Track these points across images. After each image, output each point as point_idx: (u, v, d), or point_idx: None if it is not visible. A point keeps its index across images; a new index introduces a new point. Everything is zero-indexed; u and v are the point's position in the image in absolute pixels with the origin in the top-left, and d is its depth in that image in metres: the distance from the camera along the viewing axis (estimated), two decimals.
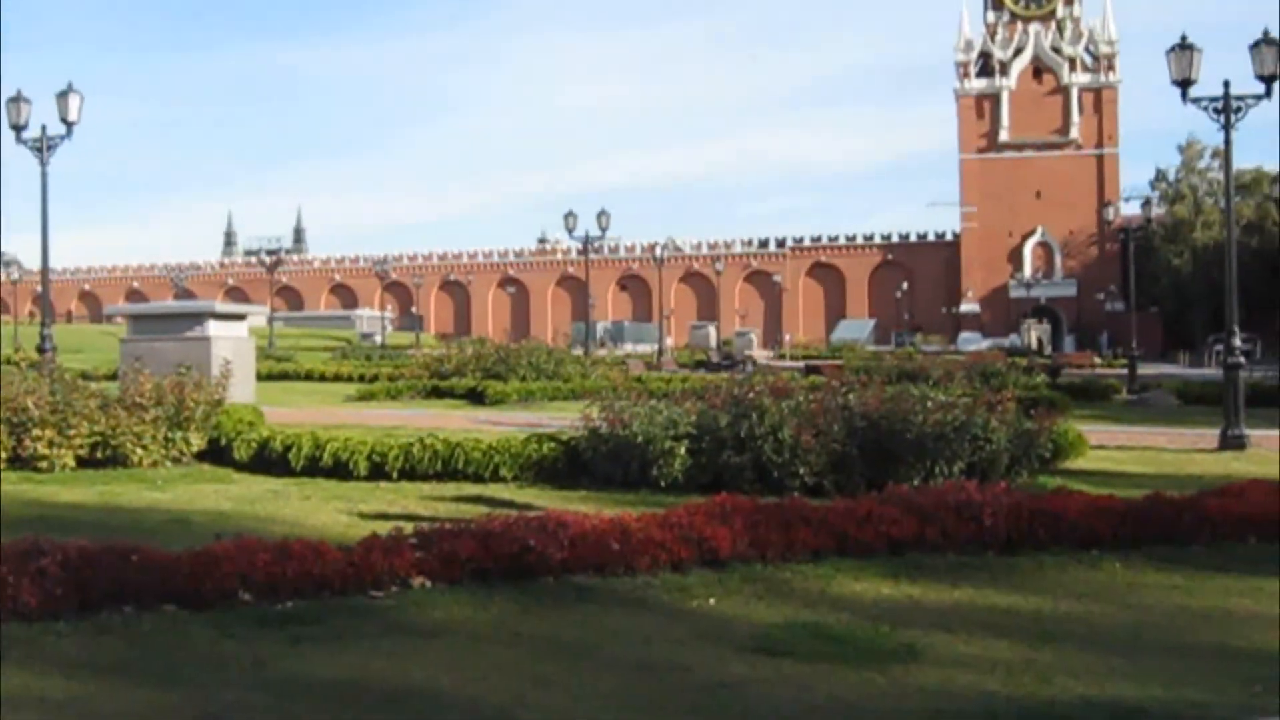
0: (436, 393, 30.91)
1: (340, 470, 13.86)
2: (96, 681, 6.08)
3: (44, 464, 14.30)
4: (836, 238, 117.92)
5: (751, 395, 13.68)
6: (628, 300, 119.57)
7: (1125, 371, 40.41)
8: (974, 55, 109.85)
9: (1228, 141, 19.78)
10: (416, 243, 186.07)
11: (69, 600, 7.08)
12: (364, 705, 5.77)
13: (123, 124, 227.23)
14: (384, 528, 8.75)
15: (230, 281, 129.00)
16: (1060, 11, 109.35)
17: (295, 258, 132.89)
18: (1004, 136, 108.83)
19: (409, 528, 8.48)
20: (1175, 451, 17.83)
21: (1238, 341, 19.81)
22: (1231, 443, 18.22)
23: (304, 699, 5.86)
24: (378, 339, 75.84)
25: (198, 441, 15.41)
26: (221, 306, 27.14)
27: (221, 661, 6.42)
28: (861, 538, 8.96)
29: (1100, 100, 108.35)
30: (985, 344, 76.14)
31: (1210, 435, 19.02)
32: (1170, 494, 10.17)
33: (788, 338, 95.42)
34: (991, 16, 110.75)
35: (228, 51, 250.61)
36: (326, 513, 11.52)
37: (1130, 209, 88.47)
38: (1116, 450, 17.30)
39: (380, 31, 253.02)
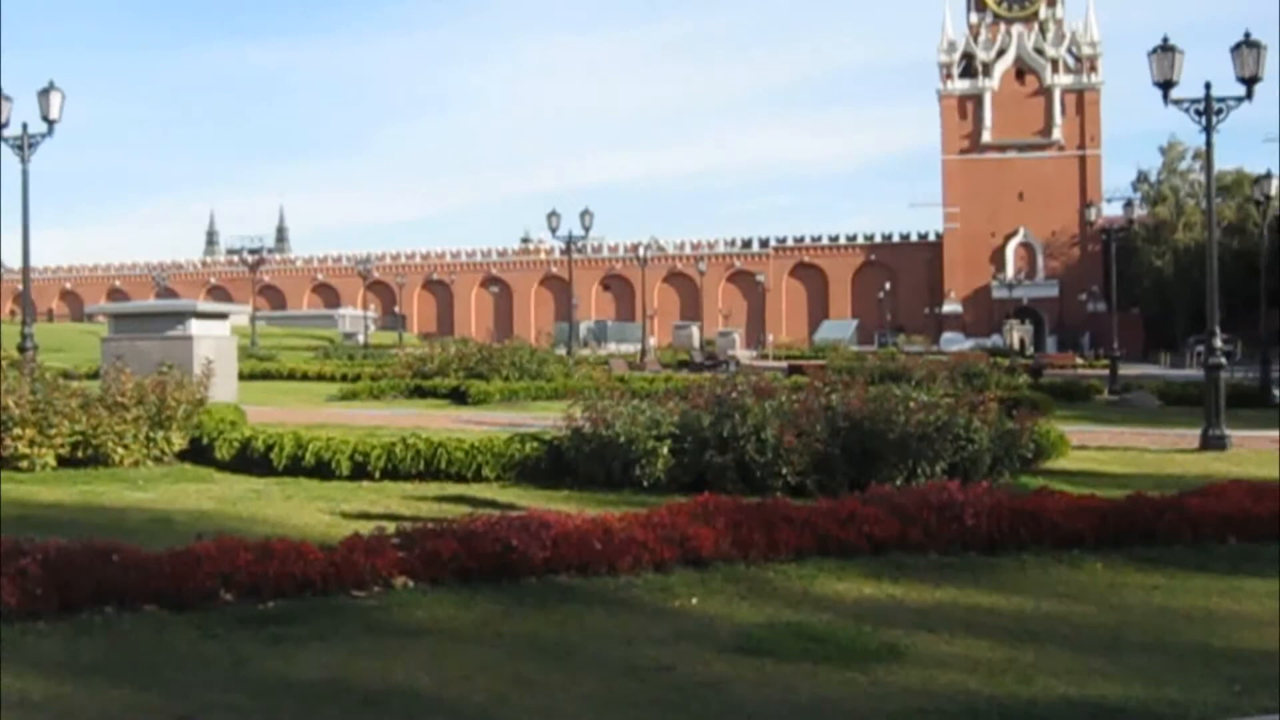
0: (419, 392, 30.89)
1: (322, 470, 13.84)
2: (77, 681, 6.06)
3: (24, 463, 14.24)
4: (819, 238, 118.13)
5: (734, 395, 13.69)
6: (611, 300, 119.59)
7: (1107, 372, 40.56)
8: (957, 56, 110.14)
9: (1209, 143, 19.84)
10: (399, 242, 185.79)
11: (49, 600, 7.05)
12: (345, 705, 5.75)
13: (105, 123, 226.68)
14: (366, 527, 8.75)
15: (212, 280, 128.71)
16: (1043, 13, 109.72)
17: (278, 257, 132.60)
18: (986, 137, 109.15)
19: (391, 527, 8.48)
20: (1156, 452, 17.89)
21: (1219, 342, 19.90)
22: (1212, 443, 18.29)
23: (285, 699, 5.84)
24: (360, 338, 75.69)
25: (179, 441, 15.37)
26: (203, 305, 27.07)
27: (202, 661, 6.40)
28: (844, 538, 8.97)
29: (1082, 101, 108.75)
30: (968, 344, 76.32)
31: (1191, 435, 19.09)
32: (1151, 494, 10.21)
33: (770, 338, 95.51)
34: (974, 18, 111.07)
35: (210, 50, 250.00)
36: (309, 512, 11.49)
37: (1112, 210, 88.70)
38: (1098, 450, 17.37)
39: (363, 31, 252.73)
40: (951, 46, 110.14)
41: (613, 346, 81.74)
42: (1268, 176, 36.69)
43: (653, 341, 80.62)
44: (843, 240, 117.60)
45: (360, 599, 7.57)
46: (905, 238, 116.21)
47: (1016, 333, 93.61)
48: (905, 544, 9.06)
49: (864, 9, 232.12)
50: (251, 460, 14.51)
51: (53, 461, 14.41)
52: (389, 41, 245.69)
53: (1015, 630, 7.19)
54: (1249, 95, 19.19)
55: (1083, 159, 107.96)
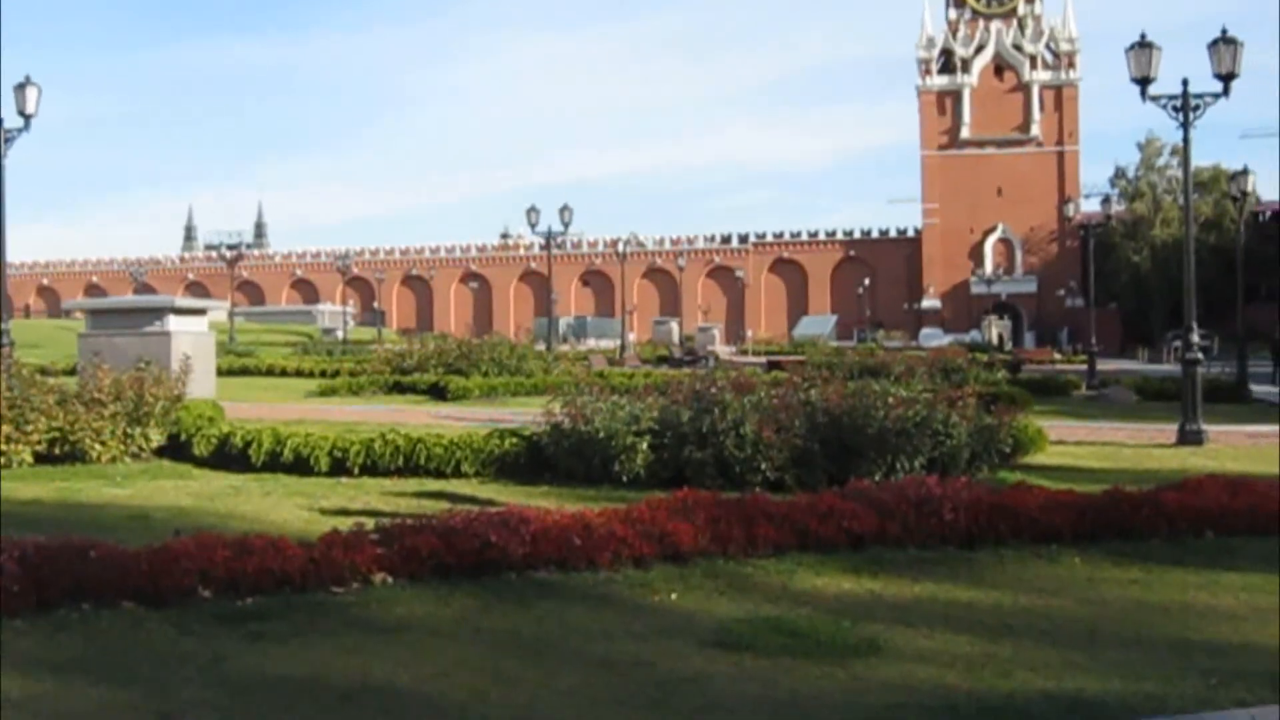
0: (398, 388, 30.87)
1: (301, 466, 13.80)
2: (54, 679, 6.02)
3: (1, 460, 14.17)
4: (799, 233, 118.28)
5: (714, 391, 13.71)
6: (590, 296, 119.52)
7: (1085, 367, 40.75)
8: (936, 52, 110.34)
9: (1186, 139, 19.92)
10: (378, 238, 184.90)
11: (26, 598, 7.01)
12: (323, 703, 5.74)
13: (83, 118, 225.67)
14: (345, 524, 8.72)
15: (190, 276, 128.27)
16: (1021, 9, 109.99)
17: (256, 252, 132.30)
18: (965, 133, 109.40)
19: (370, 524, 8.46)
20: (1134, 446, 17.96)
21: (1196, 337, 19.99)
22: (1189, 438, 18.37)
23: (263, 696, 5.82)
24: (339, 334, 75.60)
25: (157, 437, 15.31)
26: (181, 301, 26.94)
27: (180, 659, 6.38)
28: (823, 533, 8.98)
29: (1061, 98, 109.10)
30: (946, 340, 76.55)
31: (1168, 430, 19.16)
32: (1128, 489, 10.23)
33: (750, 333, 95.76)
34: (953, 14, 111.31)
35: (188, 46, 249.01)
36: (287, 509, 11.46)
37: (1090, 206, 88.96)
38: (1076, 445, 17.43)
39: (342, 26, 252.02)
40: (930, 42, 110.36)
41: (592, 342, 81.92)
42: (1244, 173, 36.87)
43: (632, 337, 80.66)
44: (822, 236, 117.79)
45: (339, 595, 7.55)
46: (884, 233, 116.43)
47: (995, 328, 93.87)
48: (884, 539, 9.07)
49: (843, 5, 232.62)
50: (230, 456, 14.46)
51: (30, 458, 14.34)
52: (369, 37, 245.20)
53: (993, 625, 7.21)
54: (1226, 92, 19.29)
55: (1061, 155, 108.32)
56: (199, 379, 19.31)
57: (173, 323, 22.82)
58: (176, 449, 15.23)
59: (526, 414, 16.90)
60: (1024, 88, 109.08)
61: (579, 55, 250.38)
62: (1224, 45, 19.07)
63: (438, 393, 29.23)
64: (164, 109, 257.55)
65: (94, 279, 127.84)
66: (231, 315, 63.81)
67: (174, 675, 6.11)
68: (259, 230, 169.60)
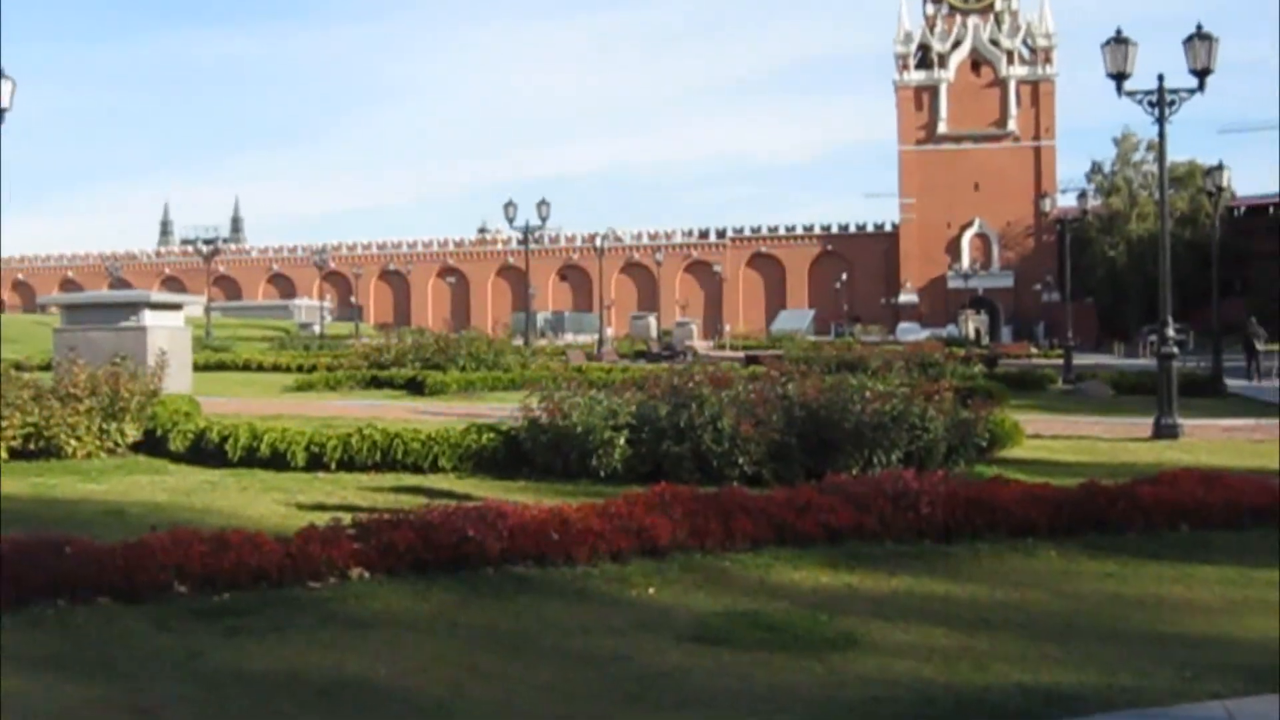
0: (376, 383, 30.82)
1: (278, 461, 13.77)
2: (29, 675, 6.00)
3: None
4: (776, 228, 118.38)
5: (691, 385, 13.71)
6: (568, 290, 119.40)
7: (1061, 361, 40.86)
8: (913, 47, 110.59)
9: (1162, 135, 19.99)
10: (355, 232, 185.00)
11: (2, 594, 6.98)
12: (300, 698, 5.73)
13: (57, 112, 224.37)
14: (322, 518, 8.71)
15: (167, 271, 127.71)
16: (998, 5, 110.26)
17: (233, 247, 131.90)
18: (942, 128, 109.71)
19: (347, 518, 8.45)
20: (1110, 440, 18.03)
21: (1171, 332, 20.06)
22: (1165, 432, 18.44)
23: (239, 691, 5.81)
24: (316, 329, 75.40)
25: (133, 432, 15.25)
26: (157, 296, 26.86)
27: (156, 654, 6.36)
28: (800, 527, 8.99)
29: (1038, 93, 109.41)
30: (923, 334, 76.87)
31: (1144, 424, 19.24)
32: (1104, 483, 10.27)
33: (728, 328, 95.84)
34: (930, 9, 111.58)
35: (163, 38, 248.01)
36: (264, 504, 11.43)
37: (1067, 201, 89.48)
38: (1052, 439, 17.49)
39: (319, 19, 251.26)
40: (908, 38, 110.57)
41: (570, 337, 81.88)
42: (1220, 168, 37.03)
43: (610, 332, 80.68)
44: (800, 231, 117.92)
45: (316, 590, 7.54)
46: (862, 228, 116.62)
47: (972, 323, 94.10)
48: (861, 533, 9.09)
49: (821, 0, 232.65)
50: (206, 452, 14.41)
51: (4, 454, 14.27)
52: (346, 30, 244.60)
53: (970, 618, 7.23)
54: (1201, 87, 19.37)
55: (1038, 150, 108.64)
56: (175, 374, 19.24)
57: (148, 318, 22.76)
58: (152, 444, 15.18)
59: (504, 409, 16.89)
60: (1001, 83, 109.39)
61: (557, 50, 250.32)
62: (1199, 41, 19.14)
63: (415, 387, 29.20)
64: (139, 103, 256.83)
65: (69, 274, 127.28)
66: (208, 310, 63.59)
67: (150, 671, 6.10)
68: (235, 225, 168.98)
